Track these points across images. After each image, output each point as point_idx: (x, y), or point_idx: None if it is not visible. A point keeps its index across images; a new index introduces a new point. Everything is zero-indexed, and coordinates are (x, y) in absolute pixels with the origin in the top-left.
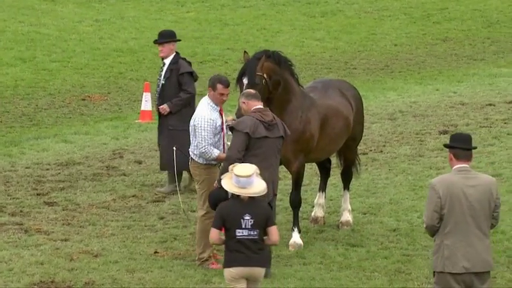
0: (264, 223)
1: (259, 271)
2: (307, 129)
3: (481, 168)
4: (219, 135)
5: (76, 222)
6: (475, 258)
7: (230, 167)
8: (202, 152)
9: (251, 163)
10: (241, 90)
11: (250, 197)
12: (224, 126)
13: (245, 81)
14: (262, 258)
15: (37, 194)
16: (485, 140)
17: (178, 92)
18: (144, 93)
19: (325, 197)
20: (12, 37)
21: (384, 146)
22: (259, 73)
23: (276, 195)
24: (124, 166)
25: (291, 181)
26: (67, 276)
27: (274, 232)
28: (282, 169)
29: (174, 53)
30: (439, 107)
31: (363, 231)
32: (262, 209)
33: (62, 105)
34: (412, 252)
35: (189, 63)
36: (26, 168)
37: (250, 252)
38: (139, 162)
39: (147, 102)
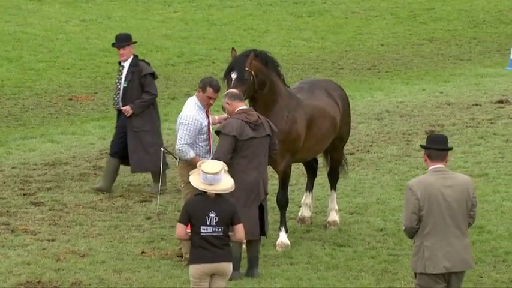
0: (229, 220)
1: (226, 266)
2: (293, 129)
3: (467, 168)
4: (205, 136)
5: (63, 222)
6: (455, 258)
7: (198, 163)
8: (179, 150)
9: (240, 165)
10: (228, 86)
11: (216, 194)
12: (210, 127)
13: (233, 75)
14: (228, 252)
15: (24, 194)
16: (471, 140)
17: (141, 94)
18: None
19: (312, 197)
20: None
21: (371, 146)
22: (248, 69)
23: (267, 194)
24: None
25: (277, 181)
26: (54, 276)
27: (239, 230)
28: (269, 169)
29: (132, 56)
30: (425, 107)
31: (350, 231)
32: (227, 206)
33: (49, 105)
34: (399, 252)
35: (148, 64)
36: (13, 168)
37: (214, 248)
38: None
39: None
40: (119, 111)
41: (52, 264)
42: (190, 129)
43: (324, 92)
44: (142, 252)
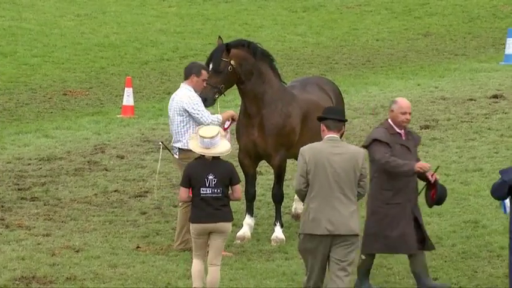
0: (227, 181)
1: (223, 225)
2: (287, 123)
3: (462, 163)
4: None
5: (58, 218)
6: (337, 222)
7: (196, 128)
8: (211, 121)
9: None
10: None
11: (214, 158)
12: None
13: (210, 66)
14: (225, 213)
15: (18, 189)
16: (466, 135)
17: None
18: (126, 88)
19: None
20: None
21: None
22: (224, 59)
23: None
24: (106, 161)
25: (273, 176)
26: (49, 271)
27: (237, 190)
28: (264, 164)
29: None
30: (420, 102)
31: None
32: (225, 168)
33: (43, 100)
34: None
35: None
36: (7, 163)
37: (212, 209)
38: (121, 157)
39: (128, 97)
40: None
41: (47, 259)
42: (201, 104)
43: (316, 87)
44: (137, 247)
